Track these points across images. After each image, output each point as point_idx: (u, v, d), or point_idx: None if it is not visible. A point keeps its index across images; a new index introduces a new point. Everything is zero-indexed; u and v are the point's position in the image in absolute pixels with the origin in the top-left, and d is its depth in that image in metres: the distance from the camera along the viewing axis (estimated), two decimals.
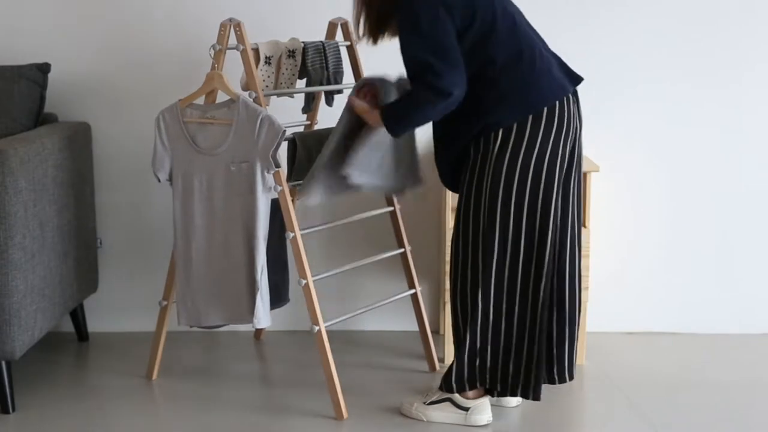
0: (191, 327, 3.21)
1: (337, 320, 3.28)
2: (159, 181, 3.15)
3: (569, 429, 3.06)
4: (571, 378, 3.00)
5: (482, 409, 2.98)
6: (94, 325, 3.80)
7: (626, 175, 3.77)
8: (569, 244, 2.91)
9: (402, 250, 3.44)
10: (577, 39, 3.69)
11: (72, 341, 3.74)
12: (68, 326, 3.75)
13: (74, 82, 3.71)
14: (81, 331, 3.73)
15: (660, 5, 3.70)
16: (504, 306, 2.90)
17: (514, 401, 3.11)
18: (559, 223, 2.87)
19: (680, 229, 3.82)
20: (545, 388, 3.09)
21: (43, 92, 3.45)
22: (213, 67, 3.10)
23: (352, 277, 3.77)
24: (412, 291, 3.45)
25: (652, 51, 3.72)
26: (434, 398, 3.02)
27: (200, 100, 3.16)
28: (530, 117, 2.81)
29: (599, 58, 3.71)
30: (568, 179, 2.89)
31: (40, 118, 3.47)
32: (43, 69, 3.46)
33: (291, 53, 3.22)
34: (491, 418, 2.99)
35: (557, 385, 3.35)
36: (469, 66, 2.79)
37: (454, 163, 2.97)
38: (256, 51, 3.13)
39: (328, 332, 3.08)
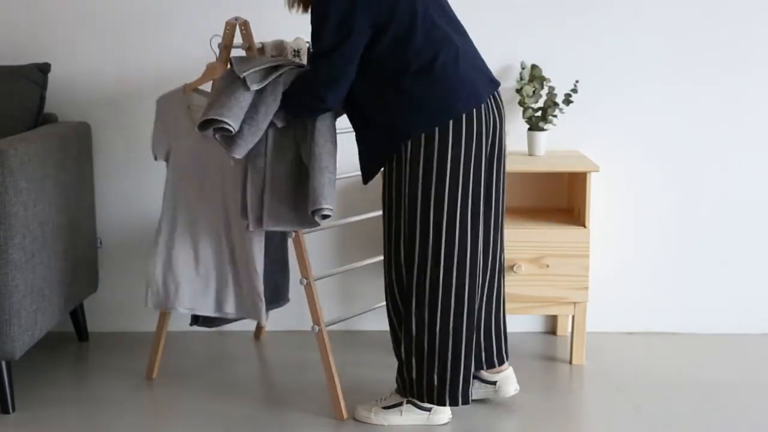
0: (162, 310, 3.27)
1: (338, 320, 3.28)
2: (155, 159, 3.16)
3: (569, 429, 3.06)
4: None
5: (443, 408, 2.97)
6: (94, 325, 3.80)
7: (626, 174, 3.77)
8: (500, 241, 2.99)
9: None
10: (577, 38, 3.69)
11: (72, 341, 3.74)
12: (68, 326, 3.74)
13: (74, 82, 3.71)
14: (81, 331, 3.73)
15: (659, 3, 3.70)
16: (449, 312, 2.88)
17: (512, 389, 3.11)
18: (484, 221, 2.89)
19: (680, 229, 3.81)
20: (549, 388, 3.09)
21: (43, 92, 3.45)
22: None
23: (353, 277, 3.77)
24: None
25: (652, 50, 3.72)
26: (393, 402, 2.99)
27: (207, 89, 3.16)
28: (448, 124, 2.75)
29: (599, 57, 3.71)
30: (490, 181, 2.89)
31: (40, 118, 3.47)
32: (43, 69, 3.46)
33: (296, 53, 3.22)
34: (451, 416, 2.99)
35: (557, 385, 3.35)
36: (382, 72, 2.75)
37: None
38: (262, 50, 3.13)
39: (329, 332, 3.08)
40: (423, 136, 2.77)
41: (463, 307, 2.85)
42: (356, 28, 2.70)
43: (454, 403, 2.91)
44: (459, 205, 2.81)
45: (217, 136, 2.87)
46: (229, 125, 2.81)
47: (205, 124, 2.86)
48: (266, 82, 2.85)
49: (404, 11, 2.73)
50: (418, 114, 2.77)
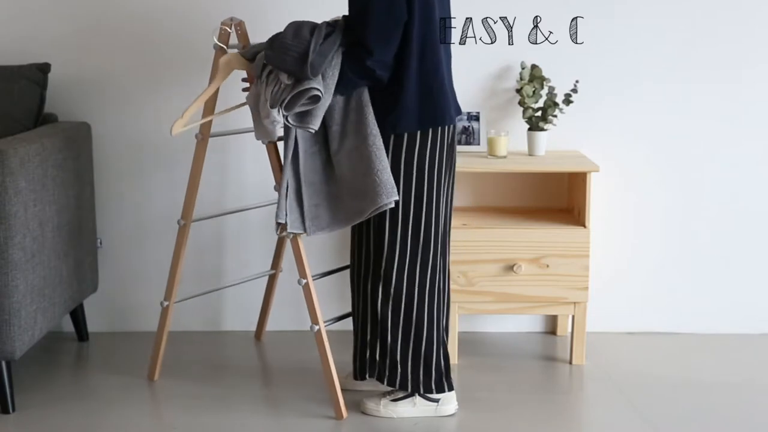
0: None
1: (338, 320, 3.28)
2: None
3: (569, 429, 3.06)
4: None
5: (450, 398, 3.04)
6: (94, 325, 3.80)
7: (626, 174, 3.77)
8: (448, 247, 3.13)
9: None
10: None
11: (72, 341, 3.74)
12: (68, 326, 3.75)
13: (74, 82, 3.71)
14: (81, 331, 3.73)
15: (660, 4, 3.70)
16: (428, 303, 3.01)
17: (452, 408, 3.08)
18: (444, 226, 3.07)
19: (680, 229, 3.81)
20: (549, 388, 3.07)
21: (43, 92, 3.45)
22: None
23: None
24: None
25: (651, 49, 3.72)
26: (402, 394, 3.04)
27: None
28: (437, 129, 2.91)
29: (598, 57, 3.71)
30: (449, 186, 3.06)
31: (40, 118, 3.47)
32: (43, 69, 3.46)
33: None
34: (457, 407, 3.06)
35: (557, 385, 3.35)
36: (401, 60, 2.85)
37: None
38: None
39: (328, 332, 3.09)
40: (407, 134, 2.89)
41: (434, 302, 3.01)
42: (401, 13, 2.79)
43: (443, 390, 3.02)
44: (434, 207, 2.95)
45: (289, 118, 2.85)
46: (319, 90, 2.78)
47: (290, 103, 2.81)
48: (333, 52, 2.82)
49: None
50: (415, 110, 2.87)
